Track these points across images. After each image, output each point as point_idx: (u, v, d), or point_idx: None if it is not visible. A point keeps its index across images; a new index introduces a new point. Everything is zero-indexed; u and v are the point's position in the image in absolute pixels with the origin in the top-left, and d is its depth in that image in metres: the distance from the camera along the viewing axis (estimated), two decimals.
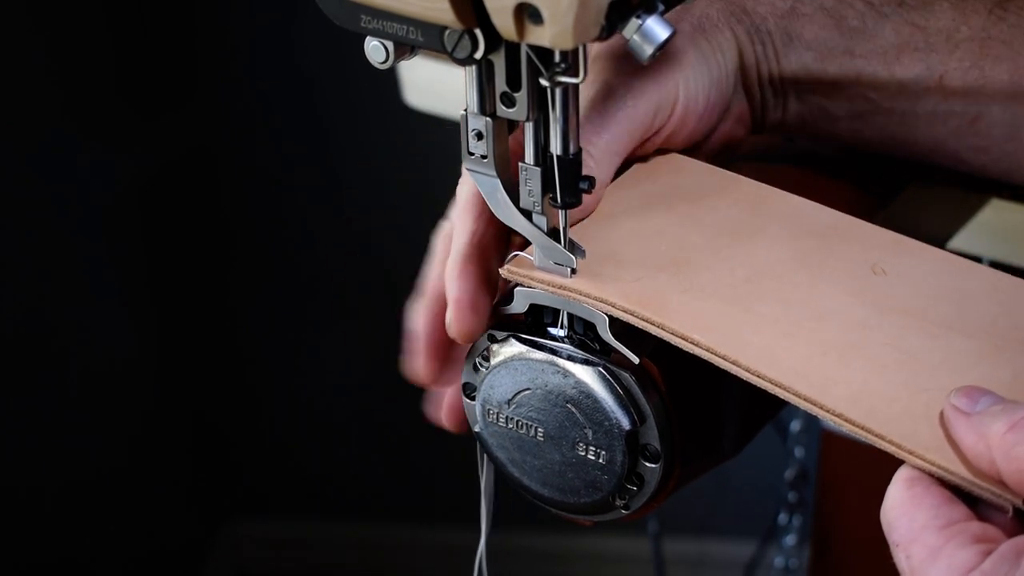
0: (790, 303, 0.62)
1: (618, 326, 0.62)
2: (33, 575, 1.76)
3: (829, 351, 0.60)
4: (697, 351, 0.60)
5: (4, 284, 1.62)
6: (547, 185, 0.61)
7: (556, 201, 0.61)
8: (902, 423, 0.57)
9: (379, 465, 2.08)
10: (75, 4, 1.69)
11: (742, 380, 0.60)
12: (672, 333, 0.60)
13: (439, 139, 1.21)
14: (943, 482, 0.55)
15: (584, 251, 0.62)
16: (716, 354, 0.60)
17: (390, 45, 0.59)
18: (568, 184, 0.60)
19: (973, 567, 0.51)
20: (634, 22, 0.58)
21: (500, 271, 0.64)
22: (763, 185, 0.69)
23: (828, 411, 0.58)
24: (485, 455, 0.67)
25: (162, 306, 1.93)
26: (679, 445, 0.63)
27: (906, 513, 0.54)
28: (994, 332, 0.61)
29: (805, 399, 0.58)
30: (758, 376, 0.59)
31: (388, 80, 1.08)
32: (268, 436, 2.09)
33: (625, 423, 0.62)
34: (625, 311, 0.61)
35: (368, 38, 0.59)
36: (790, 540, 1.38)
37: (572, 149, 0.60)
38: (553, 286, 0.62)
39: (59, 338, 1.74)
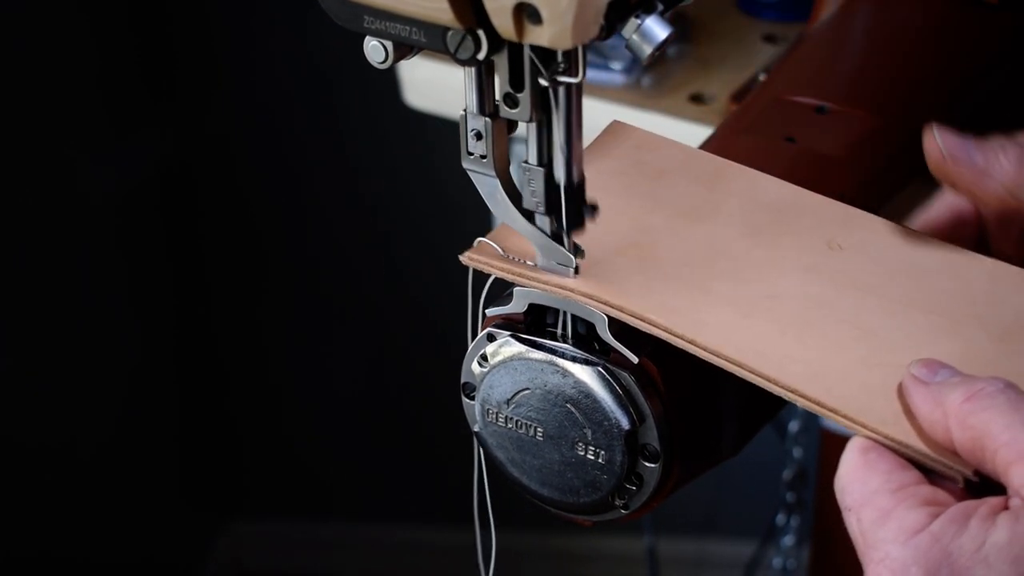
0: (748, 282, 0.62)
1: (617, 326, 0.62)
2: (33, 575, 1.76)
3: (787, 329, 0.60)
4: (655, 332, 0.60)
5: (5, 283, 1.62)
6: (551, 209, 0.61)
7: (561, 227, 0.61)
8: (859, 398, 0.57)
9: (379, 465, 2.08)
10: (93, 1, 1.69)
11: (741, 381, 0.60)
12: (631, 315, 0.61)
13: (439, 139, 1.21)
14: (897, 452, 0.56)
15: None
16: (674, 334, 0.60)
17: (389, 45, 0.59)
18: (574, 212, 0.60)
19: (922, 528, 0.52)
20: (633, 22, 0.58)
21: (460, 258, 0.64)
22: (719, 159, 0.70)
23: (785, 388, 0.58)
24: (481, 456, 0.67)
25: (164, 305, 1.93)
26: (678, 445, 0.63)
27: (859, 478, 0.55)
28: (950, 308, 0.61)
29: (763, 377, 0.59)
30: (716, 355, 0.59)
31: (388, 80, 1.08)
32: (269, 436, 2.09)
33: (624, 423, 0.62)
34: (584, 295, 0.62)
35: (367, 38, 0.59)
36: (789, 540, 1.38)
37: (576, 178, 0.60)
38: (512, 273, 0.63)
39: (62, 337, 1.74)
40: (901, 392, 0.57)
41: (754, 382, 0.59)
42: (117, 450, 1.87)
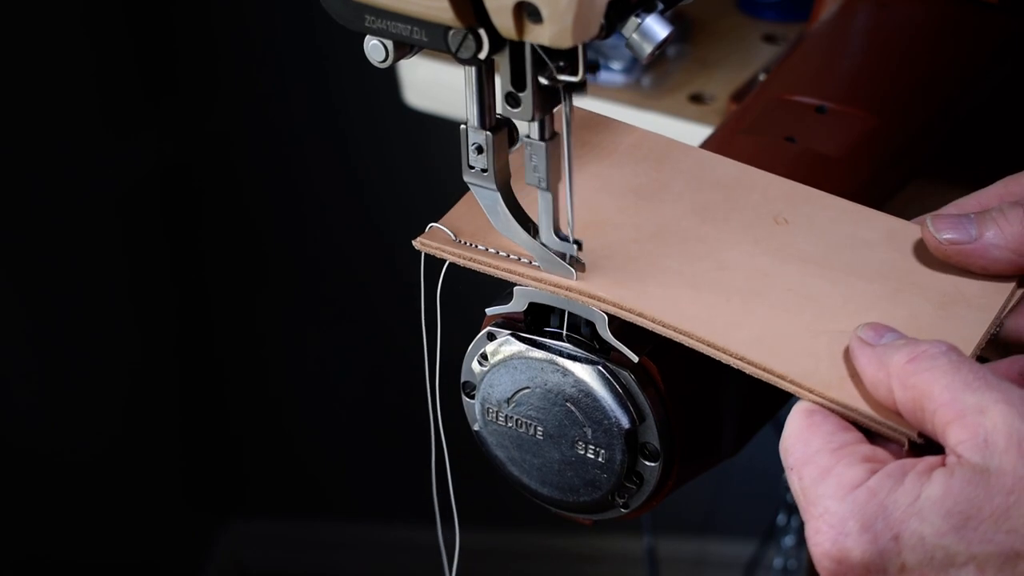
0: (695, 256, 0.63)
1: (617, 324, 0.62)
2: (33, 575, 1.76)
3: (732, 298, 0.62)
4: (604, 307, 0.61)
5: (5, 283, 1.62)
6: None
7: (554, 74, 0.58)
8: (802, 362, 0.59)
9: (379, 465, 2.08)
10: (98, 2, 1.69)
11: (741, 380, 0.60)
12: (579, 292, 0.62)
13: (439, 139, 1.21)
14: (843, 416, 0.57)
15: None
16: (622, 307, 0.61)
17: (389, 44, 0.59)
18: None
19: (860, 483, 0.54)
20: (633, 21, 0.58)
21: (413, 243, 0.65)
22: (668, 139, 0.71)
23: (730, 354, 0.59)
24: (435, 454, 0.68)
25: (164, 306, 1.93)
26: (678, 444, 0.63)
27: (802, 439, 0.56)
28: (891, 276, 0.62)
29: (708, 344, 0.60)
30: (662, 325, 0.60)
31: (388, 80, 1.08)
32: (269, 436, 2.09)
33: (624, 422, 0.62)
34: (532, 278, 0.62)
35: (368, 37, 0.59)
36: (789, 540, 1.38)
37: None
38: (463, 257, 0.64)
39: (62, 337, 1.74)
40: (847, 356, 0.58)
41: (700, 349, 0.60)
42: (118, 450, 1.87)
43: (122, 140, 1.80)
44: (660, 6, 0.58)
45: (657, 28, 0.58)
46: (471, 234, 0.65)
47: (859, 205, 0.67)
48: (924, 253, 0.63)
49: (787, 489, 1.33)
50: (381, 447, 2.07)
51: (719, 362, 0.60)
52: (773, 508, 1.38)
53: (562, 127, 0.59)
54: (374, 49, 0.60)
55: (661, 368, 0.62)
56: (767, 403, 0.69)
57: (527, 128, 0.60)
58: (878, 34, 0.88)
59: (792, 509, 1.35)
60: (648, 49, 0.58)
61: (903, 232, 0.65)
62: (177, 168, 1.88)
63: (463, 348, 0.66)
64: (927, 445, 0.56)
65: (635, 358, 0.62)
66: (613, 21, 0.57)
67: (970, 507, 0.52)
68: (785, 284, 0.62)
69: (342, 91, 1.80)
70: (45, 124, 1.65)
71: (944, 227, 0.62)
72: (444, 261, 0.65)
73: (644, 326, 0.61)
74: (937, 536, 0.52)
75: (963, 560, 0.52)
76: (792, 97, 0.80)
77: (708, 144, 0.77)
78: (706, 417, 0.66)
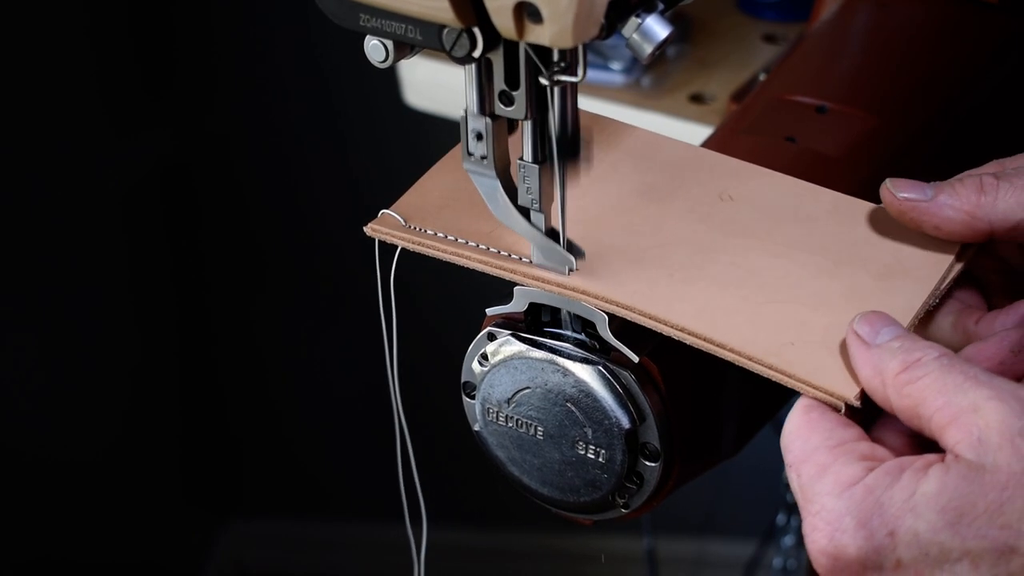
0: (639, 234, 0.64)
1: (618, 324, 0.62)
2: (34, 575, 1.76)
3: (675, 273, 0.62)
4: (547, 288, 0.62)
5: (6, 284, 1.62)
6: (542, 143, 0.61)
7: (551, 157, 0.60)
8: (743, 332, 0.60)
9: (379, 465, 2.08)
10: (99, 2, 1.69)
11: (741, 380, 0.60)
12: (524, 275, 0.63)
13: (439, 139, 1.21)
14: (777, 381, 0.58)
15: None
16: (565, 287, 0.62)
17: (390, 44, 0.59)
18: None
19: (857, 480, 0.54)
20: (633, 21, 0.58)
21: (364, 229, 0.67)
22: (617, 121, 0.71)
23: (672, 326, 0.60)
24: (400, 449, 0.68)
25: (164, 306, 1.93)
26: (678, 444, 0.63)
27: (800, 436, 0.57)
28: (833, 249, 0.64)
29: (651, 317, 0.60)
30: (605, 301, 0.61)
31: (388, 80, 1.08)
32: (269, 436, 2.09)
33: (624, 422, 0.62)
34: (480, 260, 0.64)
35: (368, 37, 0.59)
36: (789, 540, 1.38)
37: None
38: (413, 242, 0.65)
39: (62, 337, 1.74)
40: (786, 325, 0.60)
41: (643, 323, 0.61)
42: (118, 450, 1.87)
43: (122, 140, 1.80)
44: (660, 6, 0.58)
45: (657, 28, 0.58)
46: (421, 219, 0.66)
47: (804, 182, 0.68)
48: (866, 227, 0.65)
49: (787, 489, 1.32)
50: (381, 447, 2.06)
51: (720, 362, 0.60)
52: (773, 508, 1.38)
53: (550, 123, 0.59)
54: (374, 49, 0.60)
55: (662, 368, 0.62)
56: (767, 403, 0.69)
57: (522, 151, 0.61)
58: (878, 34, 0.88)
59: (792, 509, 1.35)
60: (648, 49, 0.58)
61: (847, 207, 0.66)
62: (177, 168, 1.88)
63: (463, 348, 0.66)
64: (923, 443, 0.56)
65: (635, 358, 0.62)
66: (613, 21, 0.57)
67: (964, 503, 0.52)
68: (728, 259, 0.63)
69: (342, 91, 1.80)
70: (45, 124, 1.65)
71: (902, 187, 0.63)
72: (397, 247, 0.66)
73: (586, 302, 0.62)
74: (932, 532, 0.52)
75: (957, 555, 0.52)
76: (792, 97, 0.80)
77: (708, 144, 0.77)
78: (706, 417, 0.66)
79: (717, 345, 0.59)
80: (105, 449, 1.84)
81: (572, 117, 0.60)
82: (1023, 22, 0.87)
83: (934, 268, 0.62)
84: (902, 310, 0.60)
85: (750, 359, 0.59)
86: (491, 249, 0.64)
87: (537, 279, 0.63)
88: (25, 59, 1.60)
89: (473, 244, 0.65)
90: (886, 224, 0.65)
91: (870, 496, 0.53)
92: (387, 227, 0.66)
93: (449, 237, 0.65)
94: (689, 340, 0.60)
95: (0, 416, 1.66)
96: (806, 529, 0.55)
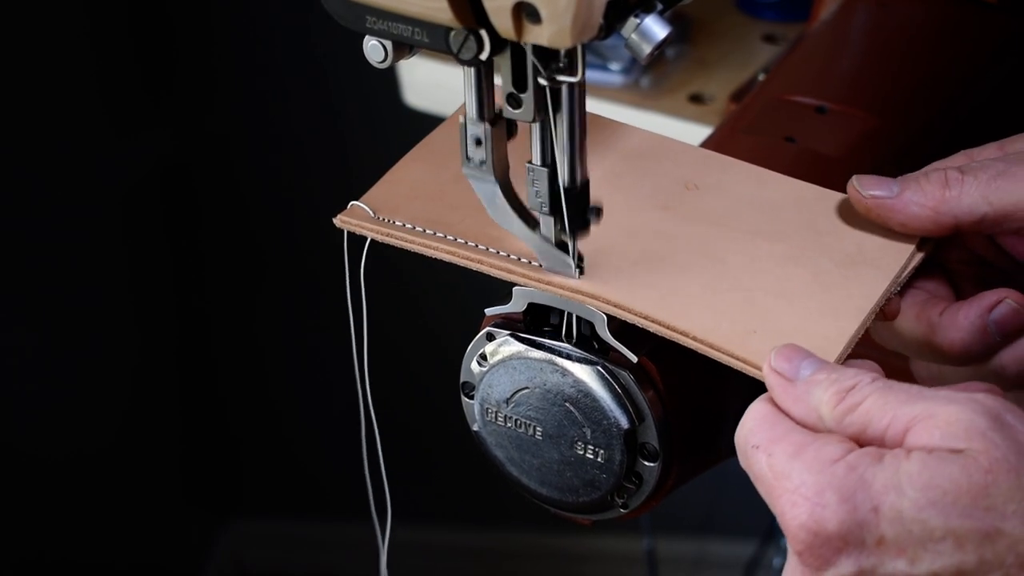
0: (604, 223, 0.64)
1: (616, 324, 0.62)
2: (34, 575, 1.76)
3: (638, 262, 0.63)
4: (512, 278, 0.63)
5: (6, 284, 1.62)
6: (555, 211, 0.61)
7: (564, 230, 0.61)
8: (703, 319, 0.60)
9: (378, 465, 2.08)
10: (99, 2, 1.69)
11: (741, 380, 0.60)
12: (491, 266, 0.63)
13: None
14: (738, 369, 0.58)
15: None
16: (531, 278, 0.62)
17: (389, 45, 0.59)
18: (577, 215, 0.61)
19: (839, 458, 0.53)
20: (632, 21, 0.58)
21: (334, 220, 0.68)
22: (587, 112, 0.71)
23: (636, 314, 0.60)
24: (367, 446, 0.69)
25: (164, 306, 1.93)
26: (677, 444, 0.63)
27: (769, 421, 0.56)
28: (796, 237, 0.64)
29: (614, 304, 0.61)
30: (571, 291, 0.61)
31: (388, 80, 1.08)
32: (268, 436, 2.09)
33: (623, 422, 0.62)
34: (447, 251, 0.64)
35: (367, 37, 0.59)
36: None
37: (580, 178, 0.60)
38: (382, 233, 0.66)
39: (63, 337, 1.74)
40: (749, 314, 0.60)
41: (606, 311, 0.61)
42: (117, 450, 1.87)
43: (122, 140, 1.80)
44: (659, 6, 0.58)
45: (656, 28, 0.58)
46: (391, 211, 0.67)
47: (769, 170, 0.68)
48: (830, 216, 0.65)
49: None
50: (381, 447, 2.06)
51: (719, 362, 0.60)
52: None
53: (557, 117, 0.59)
54: (373, 50, 0.60)
55: (660, 368, 0.62)
56: None
57: (530, 153, 0.60)
58: (878, 34, 0.88)
59: None
60: (647, 49, 0.58)
61: (811, 196, 0.66)
62: (177, 168, 1.88)
63: (463, 348, 0.66)
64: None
65: (634, 358, 0.62)
66: (612, 21, 0.57)
67: (948, 482, 0.51)
68: (691, 246, 0.64)
69: (341, 91, 1.80)
70: (45, 124, 1.65)
71: (869, 184, 0.64)
72: (366, 239, 0.67)
73: (546, 291, 0.62)
74: (915, 510, 0.52)
75: (940, 535, 0.52)
76: (792, 97, 0.80)
77: (708, 144, 0.77)
78: (706, 417, 0.66)
79: (680, 333, 0.60)
80: (105, 449, 1.84)
81: (580, 120, 0.60)
82: (1023, 22, 0.87)
83: (896, 257, 0.63)
84: (864, 297, 0.61)
85: (711, 347, 0.59)
86: (459, 240, 0.65)
87: (504, 270, 0.63)
88: (25, 59, 1.60)
89: (441, 235, 0.65)
90: (851, 214, 0.65)
91: (853, 472, 0.52)
92: (356, 219, 0.67)
93: (417, 228, 0.66)
94: (652, 328, 0.60)
95: (0, 416, 1.66)
96: (783, 506, 0.53)
